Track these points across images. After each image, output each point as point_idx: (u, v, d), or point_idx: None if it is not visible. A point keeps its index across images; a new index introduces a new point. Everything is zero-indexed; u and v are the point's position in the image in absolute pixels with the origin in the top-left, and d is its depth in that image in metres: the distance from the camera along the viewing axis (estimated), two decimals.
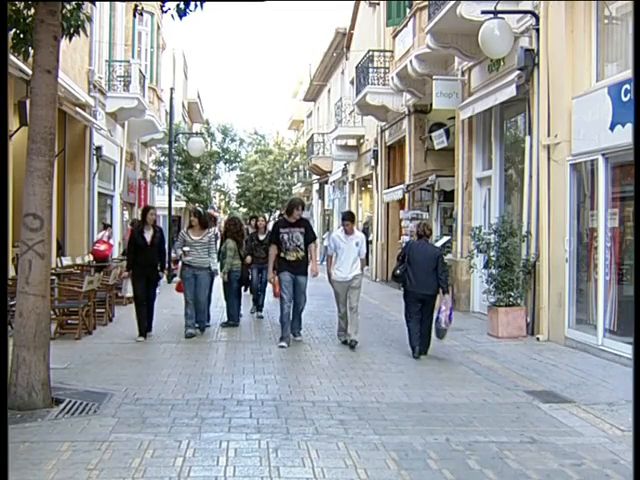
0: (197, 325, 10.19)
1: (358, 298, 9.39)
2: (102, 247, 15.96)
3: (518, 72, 10.24)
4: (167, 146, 25.46)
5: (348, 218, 9.67)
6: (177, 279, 11.69)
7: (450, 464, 4.66)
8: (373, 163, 21.34)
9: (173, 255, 10.24)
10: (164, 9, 7.14)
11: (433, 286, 8.50)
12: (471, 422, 5.73)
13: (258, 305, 12.41)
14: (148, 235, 9.78)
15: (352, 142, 24.76)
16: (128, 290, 9.41)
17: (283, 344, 9.17)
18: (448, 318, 8.48)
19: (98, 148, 17.53)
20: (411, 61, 14.15)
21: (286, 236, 9.37)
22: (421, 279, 8.50)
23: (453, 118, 14.10)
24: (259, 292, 12.37)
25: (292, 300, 9.37)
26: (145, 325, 9.78)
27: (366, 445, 5.04)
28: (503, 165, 12.21)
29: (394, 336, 10.09)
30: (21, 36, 6.76)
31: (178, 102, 34.13)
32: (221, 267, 11.12)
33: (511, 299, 10.12)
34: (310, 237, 9.54)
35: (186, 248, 9.83)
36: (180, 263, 10.59)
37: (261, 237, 12.05)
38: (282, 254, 9.30)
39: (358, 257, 9.45)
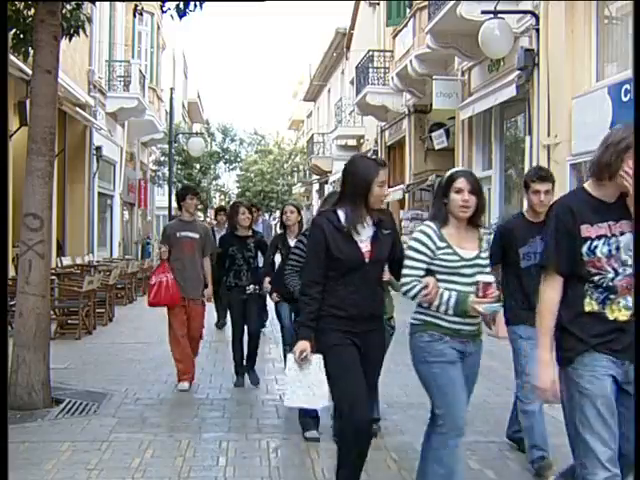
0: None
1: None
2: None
3: (518, 72, 10.25)
4: (167, 146, 25.51)
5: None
6: None
7: None
8: None
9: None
10: (164, 9, 7.15)
11: None
12: (471, 422, 5.68)
13: None
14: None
15: (352, 142, 24.77)
16: None
17: None
18: None
19: (98, 148, 17.55)
20: (411, 61, 14.17)
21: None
22: None
23: (453, 118, 14.10)
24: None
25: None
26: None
27: None
28: (503, 165, 12.21)
29: (395, 337, 10.04)
30: (21, 36, 6.75)
31: (178, 102, 34.12)
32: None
33: None
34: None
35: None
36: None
37: (292, 242, 6.02)
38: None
39: None
